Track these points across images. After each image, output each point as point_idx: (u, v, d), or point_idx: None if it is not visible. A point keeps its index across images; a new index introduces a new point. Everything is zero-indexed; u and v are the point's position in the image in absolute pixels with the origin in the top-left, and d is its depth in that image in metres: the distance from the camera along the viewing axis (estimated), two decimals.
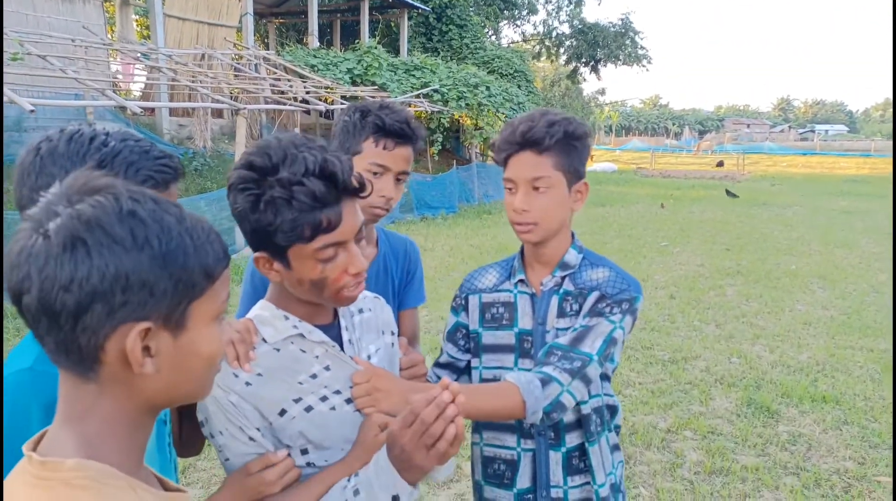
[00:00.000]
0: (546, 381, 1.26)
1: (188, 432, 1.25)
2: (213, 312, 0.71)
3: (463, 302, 1.54)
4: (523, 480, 1.45)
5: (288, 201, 0.98)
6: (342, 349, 1.15)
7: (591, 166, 27.57)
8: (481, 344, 1.49)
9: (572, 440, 1.43)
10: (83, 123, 1.06)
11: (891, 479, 3.25)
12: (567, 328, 1.39)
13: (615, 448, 1.50)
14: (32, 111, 6.27)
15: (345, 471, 1.08)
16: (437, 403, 0.95)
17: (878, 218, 13.32)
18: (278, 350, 1.11)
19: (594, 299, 1.39)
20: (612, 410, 1.50)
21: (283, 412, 1.08)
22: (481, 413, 1.30)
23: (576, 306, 1.41)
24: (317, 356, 1.12)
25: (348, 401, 1.13)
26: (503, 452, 1.48)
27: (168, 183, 1.05)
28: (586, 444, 1.42)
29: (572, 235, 1.48)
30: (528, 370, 1.39)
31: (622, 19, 27.28)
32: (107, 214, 0.64)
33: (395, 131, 1.45)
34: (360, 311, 1.23)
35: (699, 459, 3.47)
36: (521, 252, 1.51)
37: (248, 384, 1.07)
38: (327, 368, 1.12)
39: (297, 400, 1.09)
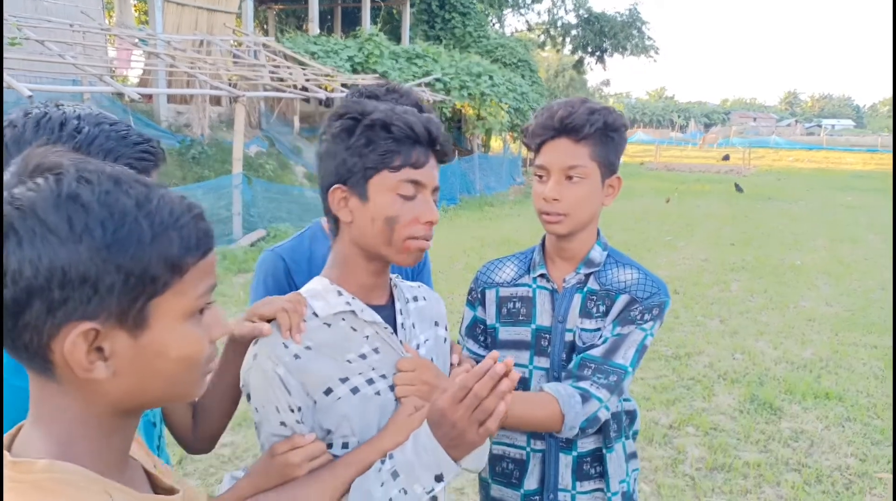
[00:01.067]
0: (586, 397, 1.25)
1: (202, 426, 1.20)
2: (184, 308, 0.62)
3: (479, 296, 1.48)
4: (531, 481, 1.42)
5: (387, 127, 1.02)
6: (395, 332, 1.11)
7: None
8: (498, 340, 1.44)
9: (586, 445, 1.39)
10: (49, 103, 0.99)
11: (892, 476, 3.22)
12: (593, 330, 1.35)
13: (632, 455, 1.45)
14: (30, 97, 6.20)
15: (376, 452, 1.02)
16: (491, 375, 0.92)
17: (884, 214, 13.21)
18: (329, 326, 1.06)
19: (624, 302, 1.33)
20: (631, 416, 1.46)
21: (328, 391, 1.03)
22: (517, 421, 1.24)
23: (602, 308, 1.35)
24: (367, 337, 1.08)
25: (391, 388, 1.08)
26: (512, 451, 1.44)
27: (149, 171, 0.98)
28: (604, 450, 1.38)
29: (598, 231, 1.42)
30: (545, 369, 1.37)
31: (630, 9, 27.04)
32: (43, 198, 0.56)
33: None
34: (415, 299, 1.20)
35: (701, 455, 3.44)
36: (542, 245, 1.45)
37: (296, 357, 1.02)
38: (376, 350, 1.08)
39: (343, 380, 1.04)
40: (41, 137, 0.92)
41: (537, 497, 1.42)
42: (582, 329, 1.35)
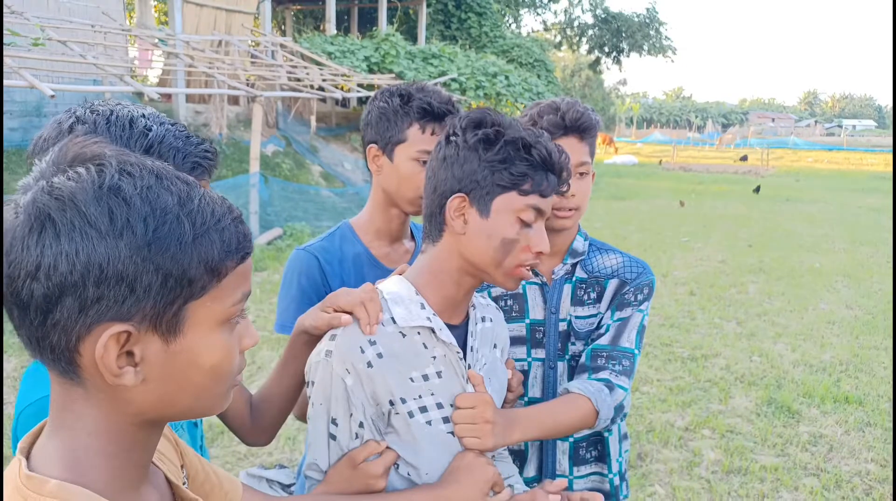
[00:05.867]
0: (611, 387, 1.29)
1: (261, 418, 1.18)
2: (219, 315, 0.59)
3: None
4: (529, 469, 1.45)
5: (528, 149, 1.01)
6: (465, 354, 1.09)
7: (612, 159, 27.25)
8: None
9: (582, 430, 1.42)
10: (99, 101, 0.98)
11: (892, 476, 3.16)
12: (587, 316, 1.41)
13: (625, 436, 1.52)
14: (53, 96, 6.29)
15: (433, 497, 1.02)
16: None
17: None
18: (404, 336, 1.04)
19: (614, 287, 1.40)
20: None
21: (392, 403, 1.02)
22: (556, 430, 1.26)
23: (593, 294, 1.42)
24: (434, 357, 1.06)
25: (445, 420, 1.06)
26: None
27: (210, 171, 0.98)
28: (605, 433, 1.43)
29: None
30: (541, 360, 1.42)
31: (648, 9, 26.83)
32: (84, 189, 0.53)
33: (443, 114, 1.36)
34: (483, 319, 1.17)
35: (717, 458, 3.41)
36: None
37: (369, 365, 1.00)
38: (440, 374, 1.06)
39: (403, 400, 1.02)
40: (114, 133, 0.91)
41: (535, 485, 1.45)
42: (576, 317, 1.41)
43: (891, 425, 3.81)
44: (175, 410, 0.62)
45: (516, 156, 1.01)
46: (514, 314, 1.45)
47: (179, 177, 0.59)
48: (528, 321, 1.44)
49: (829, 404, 4.07)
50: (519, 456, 1.46)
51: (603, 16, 27.25)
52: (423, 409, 1.04)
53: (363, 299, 1.01)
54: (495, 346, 1.20)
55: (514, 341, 1.44)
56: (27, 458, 0.59)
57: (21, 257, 0.53)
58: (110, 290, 0.53)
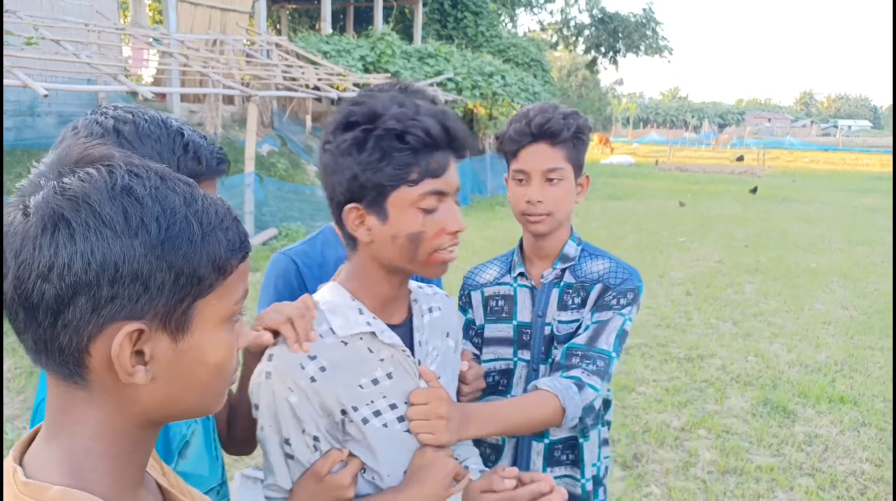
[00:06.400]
0: (580, 386, 1.28)
1: (237, 428, 1.16)
2: (223, 313, 0.60)
3: (467, 299, 1.55)
4: (503, 464, 1.46)
5: (401, 136, 0.93)
6: (412, 350, 1.07)
7: (608, 159, 27.26)
8: (483, 337, 1.51)
9: (558, 432, 1.43)
10: (113, 106, 0.99)
11: (892, 476, 3.16)
12: (570, 321, 1.41)
13: (605, 442, 1.50)
14: (46, 96, 6.25)
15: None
16: (533, 491, 0.95)
17: None
18: (345, 344, 1.01)
19: (598, 291, 1.40)
20: (606, 404, 1.50)
21: (343, 412, 1.00)
22: (522, 426, 1.27)
23: (577, 300, 1.42)
24: (382, 360, 1.03)
25: (401, 419, 1.04)
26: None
27: (222, 174, 0.98)
28: (580, 438, 1.43)
29: (570, 228, 1.50)
30: (527, 361, 1.43)
31: (644, 9, 26.86)
32: (97, 189, 0.54)
33: None
34: (431, 310, 1.15)
35: (713, 458, 3.41)
36: (520, 246, 1.52)
37: (313, 379, 0.97)
38: (390, 375, 1.04)
39: (355, 409, 1.00)
40: (155, 133, 0.91)
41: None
42: (559, 321, 1.41)
43: (885, 424, 3.81)
44: (180, 408, 0.62)
45: (392, 149, 0.93)
46: (503, 315, 1.47)
47: (181, 178, 0.60)
48: (515, 322, 1.45)
49: (825, 404, 4.07)
50: (496, 452, 1.47)
51: (599, 16, 27.26)
52: (377, 413, 1.02)
53: (292, 315, 0.98)
54: (448, 335, 1.18)
55: (502, 341, 1.47)
56: (20, 464, 0.58)
57: (32, 257, 0.52)
58: (125, 288, 0.54)
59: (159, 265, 0.55)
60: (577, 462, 1.44)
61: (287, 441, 0.99)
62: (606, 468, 1.52)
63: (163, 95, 10.67)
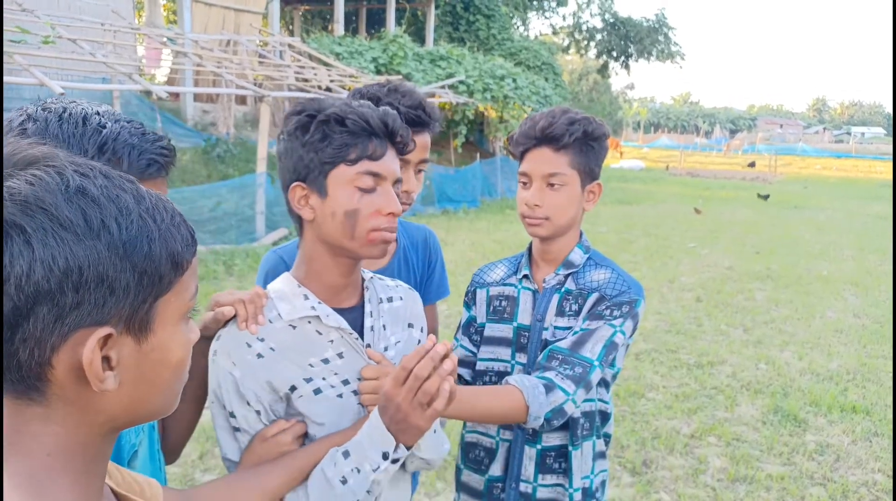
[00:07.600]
0: (550, 387, 1.27)
1: (169, 436, 1.18)
2: (181, 309, 0.60)
3: (473, 296, 1.56)
4: (495, 468, 1.47)
5: (341, 121, 1.02)
6: (362, 335, 1.11)
7: (618, 164, 27.17)
8: (483, 336, 1.51)
9: (551, 440, 1.42)
10: (54, 99, 0.97)
11: (892, 477, 3.13)
12: (565, 328, 1.40)
13: (600, 455, 1.48)
14: (62, 94, 6.32)
15: (336, 442, 1.06)
16: (432, 356, 0.93)
17: None
18: (294, 328, 1.07)
19: (593, 300, 1.39)
20: (604, 417, 1.48)
21: (293, 389, 1.05)
22: (480, 413, 1.28)
23: (575, 307, 1.41)
24: (331, 341, 1.08)
25: (355, 393, 1.09)
26: (485, 439, 1.49)
27: (167, 168, 0.97)
28: (570, 447, 1.41)
29: (581, 234, 1.49)
30: (523, 364, 1.43)
31: (657, 14, 26.77)
32: (50, 192, 0.50)
33: (411, 119, 1.36)
34: (391, 299, 1.19)
35: (723, 466, 3.38)
36: (530, 249, 1.53)
37: (259, 356, 1.04)
38: (340, 355, 1.09)
39: (307, 380, 1.06)
40: (66, 131, 0.89)
41: (500, 484, 1.47)
42: (555, 327, 1.40)
43: None
44: (145, 411, 0.60)
45: (332, 131, 1.02)
46: (505, 316, 1.48)
47: (123, 176, 0.57)
48: (515, 324, 1.46)
49: (836, 413, 4.03)
50: (489, 455, 1.48)
51: (611, 20, 27.20)
52: (332, 386, 1.07)
53: (244, 298, 1.05)
54: (411, 325, 1.20)
55: (500, 341, 1.47)
56: None
57: None
58: (90, 294, 0.51)
59: (123, 267, 0.53)
60: (568, 472, 1.42)
61: (232, 414, 1.04)
62: (603, 482, 1.49)
63: (176, 95, 10.76)
